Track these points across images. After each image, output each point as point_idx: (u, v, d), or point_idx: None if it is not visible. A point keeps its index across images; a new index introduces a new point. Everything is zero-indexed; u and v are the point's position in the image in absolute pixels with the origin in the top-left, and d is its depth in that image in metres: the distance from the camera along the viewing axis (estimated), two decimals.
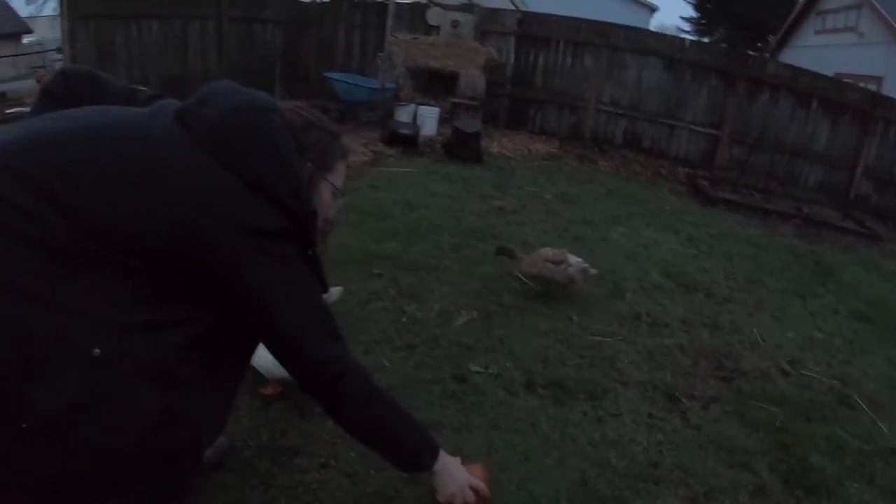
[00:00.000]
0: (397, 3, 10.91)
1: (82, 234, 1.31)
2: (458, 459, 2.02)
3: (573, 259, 4.19)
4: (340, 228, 4.96)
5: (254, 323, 1.55)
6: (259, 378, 2.74)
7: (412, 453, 1.89)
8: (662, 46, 10.25)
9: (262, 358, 2.66)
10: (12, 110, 15.76)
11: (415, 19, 11.61)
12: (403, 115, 9.15)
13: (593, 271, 4.23)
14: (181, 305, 1.43)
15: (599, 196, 7.16)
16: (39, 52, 23.19)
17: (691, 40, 10.59)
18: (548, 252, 4.20)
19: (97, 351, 1.28)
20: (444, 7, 11.58)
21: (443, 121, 9.68)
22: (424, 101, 9.93)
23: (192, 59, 9.79)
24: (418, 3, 12.15)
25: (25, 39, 28.06)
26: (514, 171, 7.98)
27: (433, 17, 11.41)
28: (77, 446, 1.31)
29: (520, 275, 4.30)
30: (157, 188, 1.38)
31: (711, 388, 3.36)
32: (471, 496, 1.96)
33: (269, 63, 10.85)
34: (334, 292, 3.35)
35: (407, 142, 8.53)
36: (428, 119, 9.30)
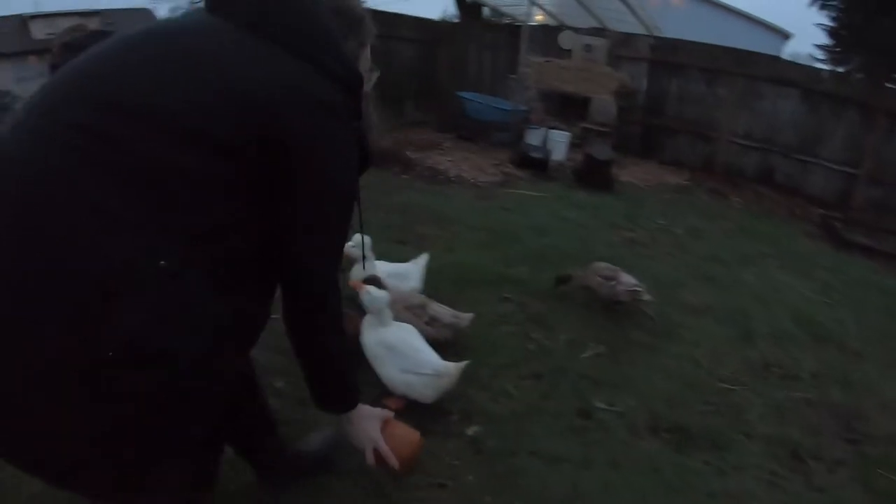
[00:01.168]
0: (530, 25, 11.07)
1: (158, 142, 1.27)
2: (380, 416, 2.02)
3: (625, 278, 4.20)
4: (473, 248, 5.17)
5: (283, 213, 1.46)
6: (383, 390, 2.91)
7: (338, 395, 1.88)
8: (800, 77, 9.76)
9: (388, 372, 2.88)
10: None
11: (547, 42, 11.65)
12: (534, 138, 9.24)
13: (647, 297, 4.18)
14: (235, 212, 1.38)
15: (731, 233, 7.02)
16: None
17: (829, 70, 10.01)
18: (602, 267, 4.27)
19: (163, 263, 1.24)
20: (576, 31, 11.63)
21: (572, 146, 9.65)
22: (555, 124, 9.94)
23: None
24: (550, 26, 12.24)
25: None
26: (645, 201, 7.89)
27: (565, 40, 11.45)
28: (165, 363, 1.26)
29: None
30: (221, 76, 1.35)
31: (838, 449, 3.23)
32: (370, 457, 1.94)
33: (403, 79, 11.17)
34: (465, 318, 3.46)
35: (537, 165, 8.60)
36: (558, 143, 9.31)
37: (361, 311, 3.10)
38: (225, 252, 1.38)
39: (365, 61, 1.74)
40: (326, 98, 1.45)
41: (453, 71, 12.33)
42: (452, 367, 2.86)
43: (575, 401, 3.23)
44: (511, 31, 12.32)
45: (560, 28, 11.91)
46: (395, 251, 4.85)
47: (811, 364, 4.10)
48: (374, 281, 3.24)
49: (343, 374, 1.85)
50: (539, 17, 12.29)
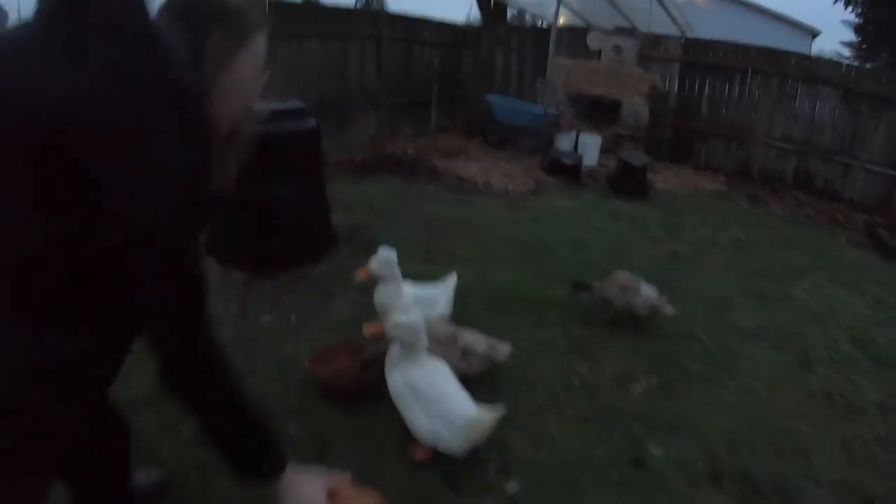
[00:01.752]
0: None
1: None
2: (323, 483, 1.76)
3: (645, 291, 3.99)
4: (506, 265, 4.87)
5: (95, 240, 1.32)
6: (408, 436, 2.67)
7: (247, 460, 1.66)
8: (835, 75, 9.33)
9: (414, 418, 2.58)
10: None
11: (574, 43, 11.36)
12: (564, 142, 8.96)
13: (668, 310, 3.95)
14: (54, 232, 1.29)
15: (776, 243, 6.65)
16: None
17: (865, 68, 9.64)
18: (623, 277, 4.06)
19: None
20: (604, 31, 11.34)
21: (603, 151, 9.36)
22: (585, 128, 9.70)
23: (352, 78, 9.89)
24: (577, 27, 11.94)
25: None
26: (683, 210, 7.53)
27: (594, 41, 11.12)
28: None
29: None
30: (9, 88, 1.26)
31: None
32: None
33: (426, 84, 10.95)
34: (502, 350, 3.18)
35: (569, 172, 8.31)
36: (590, 148, 9.02)
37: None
38: (35, 287, 1.33)
39: (245, 61, 1.53)
40: (125, 109, 1.27)
41: (479, 75, 12.06)
42: (486, 417, 2.55)
43: (627, 446, 2.92)
44: (536, 35, 12.10)
45: (587, 29, 11.62)
46: (421, 269, 4.52)
47: (876, 393, 3.75)
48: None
49: (242, 435, 1.64)
50: (562, 20, 12.00)
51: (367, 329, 2.80)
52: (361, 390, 3.13)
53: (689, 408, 3.28)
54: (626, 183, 7.81)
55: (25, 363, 1.30)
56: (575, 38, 11.49)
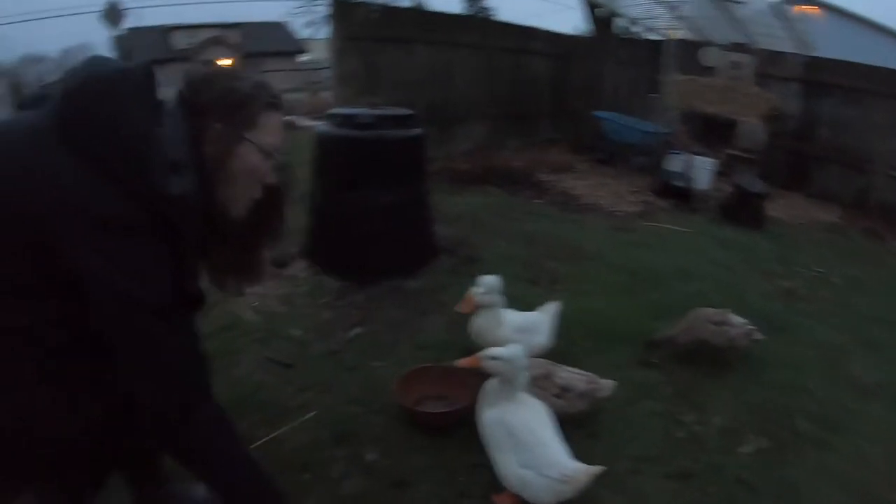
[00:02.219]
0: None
1: None
2: None
3: (736, 320, 3.79)
4: (611, 292, 4.76)
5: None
6: (493, 479, 2.52)
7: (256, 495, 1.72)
8: None
9: (504, 462, 2.44)
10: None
11: (687, 58, 11.10)
12: (676, 164, 8.75)
13: (759, 336, 3.77)
14: (33, 308, 1.42)
15: (892, 285, 6.23)
16: (312, 70, 25.82)
17: None
18: (709, 313, 3.83)
19: None
20: (720, 46, 11.04)
21: (716, 174, 9.01)
22: (697, 149, 9.44)
23: (458, 86, 9.79)
24: (691, 41, 11.67)
25: (300, 58, 31.47)
26: (797, 242, 7.19)
27: (709, 57, 10.86)
28: None
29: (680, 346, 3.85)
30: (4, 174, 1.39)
31: None
32: None
33: (536, 96, 10.85)
34: (605, 386, 3.04)
35: (679, 195, 8.12)
36: (702, 171, 8.68)
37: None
38: (30, 349, 1.45)
39: (249, 148, 1.62)
40: (105, 212, 1.37)
41: (588, 88, 11.85)
42: (582, 473, 2.38)
43: None
44: (649, 48, 11.86)
45: (702, 43, 11.34)
46: (523, 292, 4.52)
47: None
48: None
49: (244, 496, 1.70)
50: (672, 33, 11.74)
51: (462, 364, 2.67)
52: (448, 422, 3.01)
53: (798, 475, 2.99)
54: (741, 210, 7.52)
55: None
56: (688, 52, 11.18)
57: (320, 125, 4.97)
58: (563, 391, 2.96)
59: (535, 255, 5.52)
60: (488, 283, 3.38)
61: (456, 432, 2.95)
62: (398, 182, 4.80)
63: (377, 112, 4.78)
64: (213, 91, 1.58)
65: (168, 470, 2.31)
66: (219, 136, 1.57)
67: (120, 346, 1.47)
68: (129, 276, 1.41)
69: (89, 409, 1.57)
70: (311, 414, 3.11)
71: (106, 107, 1.41)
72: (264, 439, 2.86)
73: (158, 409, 1.53)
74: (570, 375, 3.04)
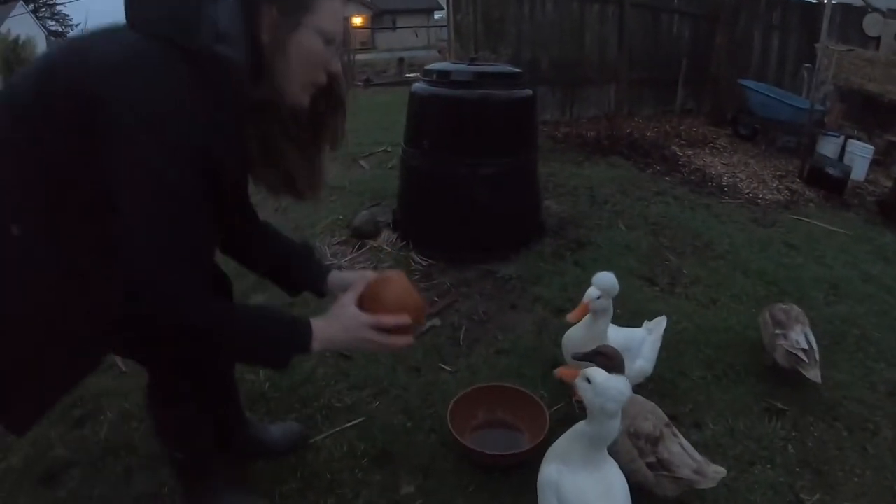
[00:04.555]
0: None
1: (10, 118, 1.46)
2: (344, 305, 1.74)
3: (794, 333, 3.04)
4: (743, 305, 3.93)
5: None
6: None
7: (277, 350, 1.66)
8: None
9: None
10: (410, 75, 16.75)
11: (847, 26, 9.96)
12: (828, 147, 7.74)
13: (812, 373, 2.90)
14: (76, 178, 1.43)
15: None
16: (444, 27, 26.18)
17: None
18: (777, 307, 3.24)
19: (14, 228, 1.43)
20: (885, 14, 9.82)
21: (873, 163, 8.00)
22: (852, 132, 8.37)
23: (590, 45, 9.07)
24: (853, 6, 10.41)
25: (436, 15, 31.90)
26: None
27: (872, 25, 9.68)
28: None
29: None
30: (68, 55, 1.48)
31: None
32: (383, 341, 1.71)
33: (674, 59, 9.90)
34: (712, 475, 2.20)
35: (832, 185, 7.01)
36: (859, 159, 7.64)
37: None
38: (73, 216, 1.46)
39: (307, 33, 1.56)
40: (143, 63, 1.39)
41: (733, 54, 10.52)
42: None
43: None
44: (803, 11, 10.69)
45: (866, 9, 10.11)
46: (635, 293, 3.90)
47: None
48: (602, 359, 2.22)
49: (250, 349, 1.67)
50: None
51: (560, 374, 2.15)
52: (507, 463, 2.42)
53: None
54: None
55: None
56: (849, 19, 10.05)
57: (416, 84, 4.37)
58: (661, 465, 2.20)
59: (657, 247, 4.77)
60: (606, 284, 2.59)
61: (514, 473, 2.38)
62: (501, 150, 4.19)
63: (478, 69, 4.14)
64: None
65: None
66: (274, 21, 1.52)
67: (125, 206, 1.42)
68: (159, 131, 1.38)
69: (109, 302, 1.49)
70: (356, 421, 2.76)
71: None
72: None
73: (146, 296, 1.45)
74: (681, 453, 2.24)
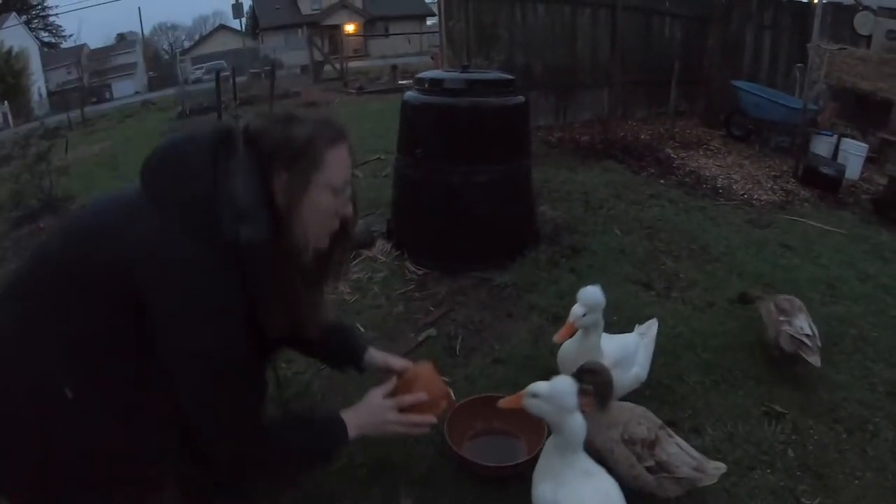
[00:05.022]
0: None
1: (59, 280, 1.56)
2: (370, 395, 2.04)
3: (799, 320, 3.13)
4: (741, 308, 3.80)
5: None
6: None
7: (325, 451, 1.93)
8: None
9: None
10: (403, 82, 16.76)
11: (838, 25, 9.99)
12: (822, 146, 7.74)
13: (812, 358, 2.98)
14: (125, 343, 1.54)
15: None
16: (437, 33, 26.49)
17: None
18: (780, 297, 3.34)
19: (68, 392, 1.51)
20: (876, 12, 9.83)
21: (867, 161, 8.00)
22: (845, 131, 8.37)
23: (582, 49, 9.13)
24: (844, 4, 10.42)
25: (429, 21, 32.32)
26: None
27: (863, 23, 9.70)
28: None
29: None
30: (99, 228, 1.60)
31: None
32: (409, 422, 1.96)
33: (666, 61, 9.80)
34: (712, 471, 2.23)
35: (826, 184, 7.01)
36: (853, 157, 7.66)
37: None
38: (121, 379, 1.57)
39: (321, 185, 1.68)
40: (181, 257, 1.50)
41: (725, 55, 10.55)
42: None
43: None
44: (795, 11, 10.75)
45: (857, 7, 10.13)
46: (633, 299, 3.88)
47: None
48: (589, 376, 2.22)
49: (303, 460, 1.91)
50: None
51: (504, 405, 2.09)
52: (501, 475, 2.39)
53: None
54: None
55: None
56: (840, 17, 10.11)
57: (408, 92, 4.36)
58: (661, 467, 2.19)
59: (652, 251, 4.75)
60: (590, 300, 2.54)
61: (512, 485, 2.34)
62: (494, 158, 4.17)
63: (470, 76, 4.14)
64: (275, 140, 1.64)
65: None
66: (286, 184, 1.64)
67: (182, 384, 1.57)
68: (202, 319, 1.52)
69: (162, 442, 1.67)
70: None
71: (175, 168, 1.59)
72: None
73: (211, 450, 1.66)
74: (678, 453, 2.24)
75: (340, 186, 1.72)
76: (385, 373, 2.25)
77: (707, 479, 2.22)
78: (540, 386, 1.91)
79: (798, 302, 3.31)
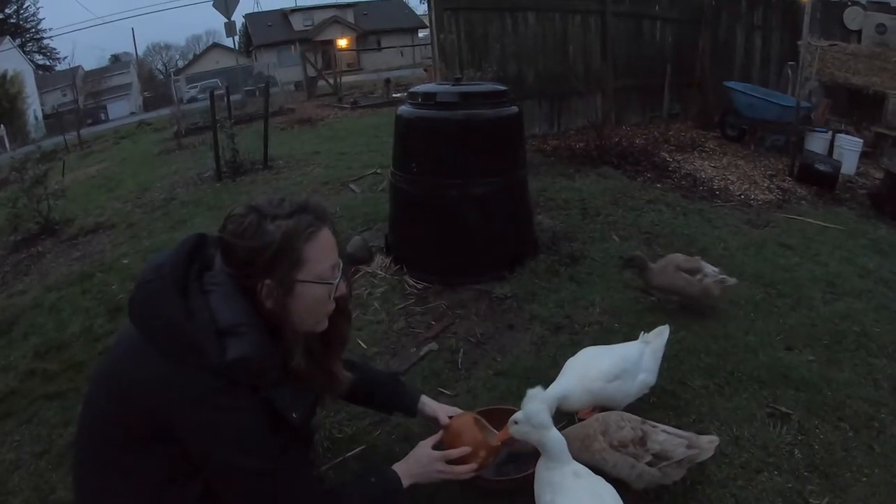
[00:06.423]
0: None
1: (106, 428, 1.64)
2: (420, 446, 2.15)
3: (709, 268, 3.66)
4: (743, 311, 3.88)
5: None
6: None
7: (387, 501, 1.97)
8: None
9: None
10: (397, 95, 16.76)
11: (829, 21, 10.00)
12: (816, 143, 7.75)
13: (731, 280, 3.70)
14: (176, 475, 1.63)
15: None
16: (429, 45, 26.73)
17: None
18: (679, 258, 3.69)
19: None
20: (866, 7, 9.85)
21: (861, 155, 7.99)
22: (839, 127, 8.38)
23: (574, 56, 9.16)
24: (833, 1, 10.45)
25: (420, 33, 32.44)
26: None
27: (852, 19, 9.72)
28: None
29: (651, 289, 3.82)
30: (120, 382, 1.63)
31: None
32: (453, 471, 2.08)
33: (658, 64, 9.93)
34: (706, 445, 2.31)
35: (823, 181, 7.02)
36: (848, 153, 7.68)
37: None
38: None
39: (307, 286, 1.70)
40: (193, 390, 1.54)
41: (717, 56, 10.65)
42: None
43: None
44: (784, 10, 10.74)
45: (846, 3, 10.16)
46: (634, 305, 3.88)
47: None
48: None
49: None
50: None
51: (497, 441, 2.23)
52: (504, 489, 2.37)
53: None
54: (894, 201, 6.39)
55: None
56: (830, 14, 10.12)
57: (402, 106, 4.36)
58: (658, 458, 2.23)
59: (652, 257, 4.70)
60: (532, 413, 2.07)
61: (518, 498, 2.29)
62: (490, 169, 4.16)
63: (462, 89, 4.14)
64: (250, 247, 1.62)
65: None
66: (272, 290, 1.65)
67: (218, 491, 1.67)
68: (227, 445, 1.59)
69: None
70: (358, 450, 2.74)
71: (149, 308, 1.61)
72: None
73: None
74: (668, 438, 2.29)
75: (328, 274, 1.74)
76: (433, 421, 2.36)
77: (704, 454, 2.31)
78: (518, 413, 2.07)
79: (693, 257, 3.80)
